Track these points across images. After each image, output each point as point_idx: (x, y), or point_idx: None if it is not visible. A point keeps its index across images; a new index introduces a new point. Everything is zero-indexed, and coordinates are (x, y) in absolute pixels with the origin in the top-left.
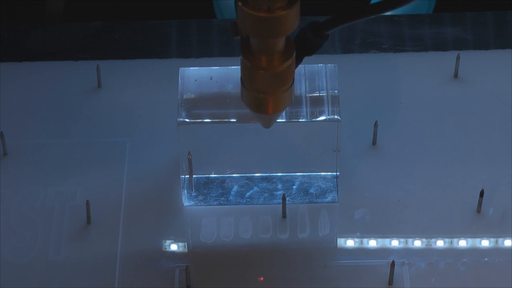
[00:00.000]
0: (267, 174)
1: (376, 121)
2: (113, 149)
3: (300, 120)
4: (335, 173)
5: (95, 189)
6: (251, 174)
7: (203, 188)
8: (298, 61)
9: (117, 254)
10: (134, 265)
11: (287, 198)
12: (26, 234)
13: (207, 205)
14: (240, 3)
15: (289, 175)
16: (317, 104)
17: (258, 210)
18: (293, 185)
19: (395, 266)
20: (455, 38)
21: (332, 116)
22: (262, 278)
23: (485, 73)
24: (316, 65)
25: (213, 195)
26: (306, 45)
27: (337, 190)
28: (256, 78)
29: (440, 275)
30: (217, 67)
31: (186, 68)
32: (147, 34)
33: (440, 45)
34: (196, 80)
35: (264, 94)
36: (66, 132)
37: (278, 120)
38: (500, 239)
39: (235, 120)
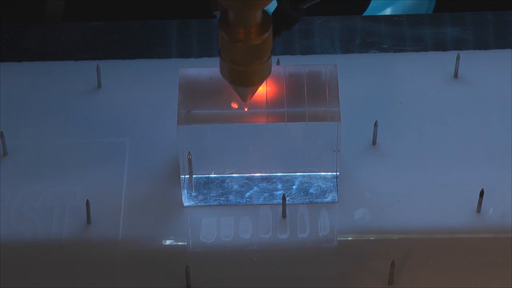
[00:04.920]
0: (267, 174)
1: (376, 121)
2: (113, 149)
3: (300, 120)
4: (335, 173)
5: (95, 189)
6: (251, 174)
7: (203, 188)
8: (276, 35)
9: (117, 254)
10: (134, 265)
11: (287, 198)
12: (26, 234)
13: (207, 205)
14: None
15: (289, 175)
16: (317, 104)
17: (258, 210)
18: (293, 185)
19: (395, 266)
20: (455, 38)
21: (332, 116)
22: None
23: (485, 73)
24: (316, 65)
25: (213, 195)
26: (285, 19)
27: (337, 190)
28: (233, 50)
29: (440, 275)
30: (217, 67)
31: (186, 68)
32: (147, 34)
33: (440, 45)
34: (196, 80)
35: (241, 66)
36: (66, 132)
37: (278, 121)
38: (500, 239)
39: (235, 120)
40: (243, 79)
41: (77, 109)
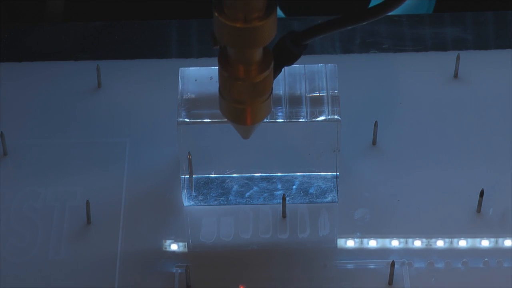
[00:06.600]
0: (267, 174)
1: (376, 121)
2: (113, 149)
3: (300, 120)
4: (335, 173)
5: (95, 189)
6: (251, 174)
7: (203, 188)
8: (278, 70)
9: (117, 254)
10: (134, 265)
11: (287, 198)
12: (26, 234)
13: (207, 205)
14: (216, 13)
15: (289, 175)
16: (317, 104)
17: (258, 210)
18: (293, 185)
19: (395, 266)
20: (455, 38)
21: (332, 116)
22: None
23: (485, 73)
24: (316, 65)
25: (213, 195)
26: (286, 54)
27: (337, 190)
28: (233, 88)
29: (440, 275)
30: (217, 67)
31: (186, 68)
32: (147, 34)
33: (440, 45)
34: (196, 80)
35: (242, 104)
36: (66, 132)
37: (278, 120)
38: (500, 239)
39: None
40: (243, 117)
41: (77, 109)
